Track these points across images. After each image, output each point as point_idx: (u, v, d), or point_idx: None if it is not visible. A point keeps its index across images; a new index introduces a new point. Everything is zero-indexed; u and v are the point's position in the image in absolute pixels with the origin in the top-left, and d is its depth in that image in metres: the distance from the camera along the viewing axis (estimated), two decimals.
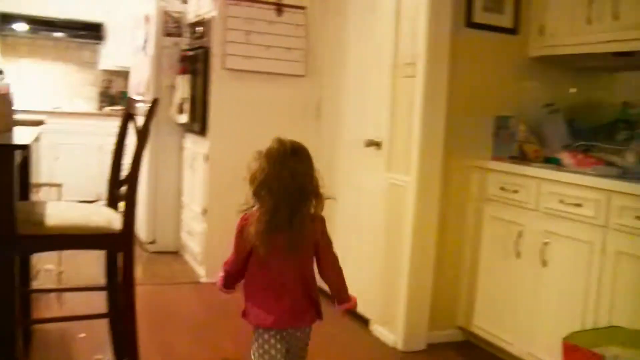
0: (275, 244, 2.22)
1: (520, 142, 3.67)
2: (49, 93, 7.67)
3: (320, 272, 2.38)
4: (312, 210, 2.26)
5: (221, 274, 2.42)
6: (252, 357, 2.32)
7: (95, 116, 7.15)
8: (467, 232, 3.74)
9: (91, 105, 7.82)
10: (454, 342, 3.80)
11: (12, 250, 2.52)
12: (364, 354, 3.57)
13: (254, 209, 2.30)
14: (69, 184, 6.50)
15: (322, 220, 2.33)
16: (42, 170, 6.65)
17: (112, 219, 2.82)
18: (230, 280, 2.41)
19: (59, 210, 2.80)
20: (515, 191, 3.40)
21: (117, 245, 2.82)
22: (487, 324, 3.59)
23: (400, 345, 3.64)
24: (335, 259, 2.38)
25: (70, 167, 6.89)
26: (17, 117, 4.20)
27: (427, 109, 3.53)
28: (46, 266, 4.44)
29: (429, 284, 3.64)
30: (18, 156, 2.81)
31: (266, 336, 2.28)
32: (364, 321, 4.01)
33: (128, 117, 3.20)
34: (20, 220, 2.61)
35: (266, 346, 2.28)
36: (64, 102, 7.64)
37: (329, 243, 2.36)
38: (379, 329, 3.84)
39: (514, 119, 3.66)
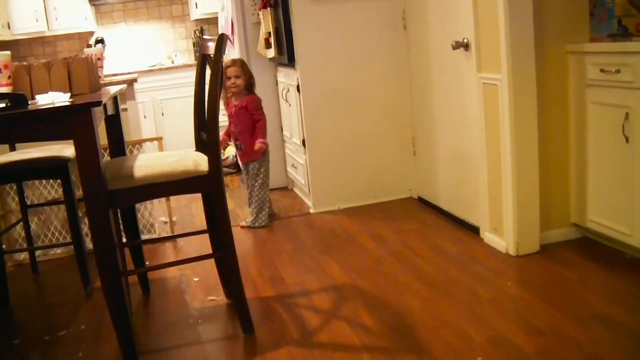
0: None
1: (619, 16, 3.36)
2: (148, 52, 7.87)
3: None
4: None
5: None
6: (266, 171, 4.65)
7: (192, 67, 7.24)
8: (571, 124, 3.52)
9: (189, 57, 7.96)
10: (570, 240, 3.63)
11: (105, 205, 2.60)
12: (476, 263, 3.47)
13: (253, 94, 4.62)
14: (176, 136, 6.74)
15: None
16: (149, 126, 6.91)
17: (200, 162, 2.84)
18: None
19: (148, 161, 2.85)
20: (617, 71, 3.13)
21: (206, 187, 2.84)
22: (602, 217, 3.39)
23: (512, 250, 3.50)
24: None
25: (175, 121, 7.09)
26: (111, 79, 4.35)
27: None
28: (160, 218, 4.61)
29: (535, 182, 3.46)
30: (100, 114, 2.90)
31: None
32: (473, 229, 3.90)
33: (203, 58, 3.19)
34: (110, 175, 2.69)
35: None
36: (162, 59, 7.81)
37: None
38: (489, 236, 3.72)
39: None
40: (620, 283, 3.07)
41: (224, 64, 4.34)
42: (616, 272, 3.19)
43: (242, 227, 4.55)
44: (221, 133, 4.35)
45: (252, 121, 4.54)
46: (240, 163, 4.82)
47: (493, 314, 2.87)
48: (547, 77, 3.47)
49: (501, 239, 3.59)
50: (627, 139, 3.11)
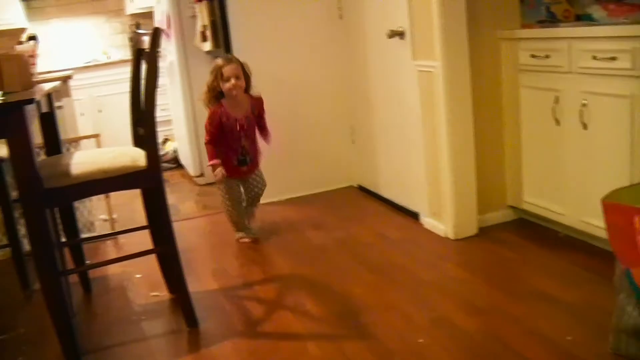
0: None
1: (547, 3, 3.46)
2: (84, 48, 7.71)
3: None
4: None
5: None
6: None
7: (129, 63, 7.12)
8: (504, 108, 3.60)
9: (125, 53, 7.83)
10: (507, 222, 3.73)
11: (41, 205, 2.55)
12: (417, 248, 3.53)
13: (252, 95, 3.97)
14: (115, 133, 6.62)
15: None
16: (87, 124, 6.78)
17: (138, 158, 2.81)
18: None
19: (85, 159, 2.80)
20: (547, 56, 3.22)
21: (145, 182, 2.81)
22: (536, 199, 3.49)
23: (451, 234, 3.58)
24: None
25: (114, 117, 6.97)
26: (45, 76, 4.24)
27: None
28: (100, 216, 4.54)
29: (471, 167, 3.53)
30: (33, 111, 2.84)
31: None
32: (413, 215, 3.97)
33: (138, 53, 3.16)
34: (46, 174, 2.64)
35: None
36: (98, 55, 7.67)
37: None
38: (428, 221, 3.79)
39: None
40: (555, 260, 3.17)
41: (216, 64, 3.89)
42: (551, 250, 3.29)
43: (256, 240, 3.98)
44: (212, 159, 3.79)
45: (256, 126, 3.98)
46: (230, 180, 3.91)
47: (435, 296, 2.93)
48: (480, 63, 3.54)
49: (440, 223, 3.66)
50: (557, 122, 3.21)
